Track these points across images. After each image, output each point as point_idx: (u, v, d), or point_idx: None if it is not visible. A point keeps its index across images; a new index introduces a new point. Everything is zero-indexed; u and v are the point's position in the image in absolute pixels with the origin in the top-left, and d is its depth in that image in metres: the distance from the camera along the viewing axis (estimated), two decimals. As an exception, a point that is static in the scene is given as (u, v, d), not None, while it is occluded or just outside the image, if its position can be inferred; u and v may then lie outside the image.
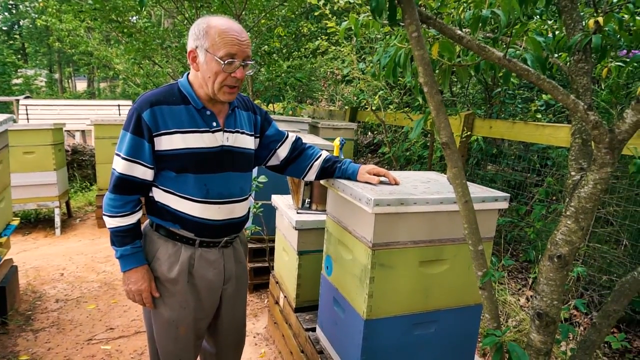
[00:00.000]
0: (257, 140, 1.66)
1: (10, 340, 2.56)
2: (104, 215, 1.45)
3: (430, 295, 1.66)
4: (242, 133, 1.54)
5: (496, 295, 3.00)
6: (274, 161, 1.73)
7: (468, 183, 1.87)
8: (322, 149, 1.80)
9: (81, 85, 24.62)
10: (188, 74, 1.49)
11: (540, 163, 3.72)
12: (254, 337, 2.70)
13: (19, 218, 3.17)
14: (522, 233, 3.55)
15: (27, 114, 8.03)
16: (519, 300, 3.06)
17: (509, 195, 1.69)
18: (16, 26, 23.78)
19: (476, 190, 1.72)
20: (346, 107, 6.43)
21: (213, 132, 1.45)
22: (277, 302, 2.57)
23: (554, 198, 3.50)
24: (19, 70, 16.40)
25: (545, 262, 1.09)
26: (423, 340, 1.69)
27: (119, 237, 1.44)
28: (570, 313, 2.84)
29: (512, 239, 3.57)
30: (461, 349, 1.79)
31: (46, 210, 4.83)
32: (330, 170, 1.74)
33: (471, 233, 1.10)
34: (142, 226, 1.56)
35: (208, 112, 1.45)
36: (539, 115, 3.34)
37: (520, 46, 1.12)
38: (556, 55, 1.57)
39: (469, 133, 3.52)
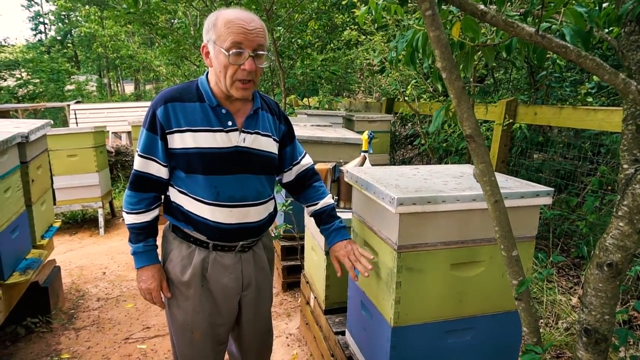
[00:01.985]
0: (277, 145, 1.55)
1: (54, 339, 2.65)
2: (123, 211, 1.46)
3: (464, 300, 1.52)
4: (264, 135, 1.45)
5: (544, 296, 2.78)
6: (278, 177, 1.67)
7: (507, 177, 1.70)
8: (326, 193, 1.66)
9: (129, 88, 25.66)
10: (208, 73, 1.43)
11: (593, 150, 3.42)
12: (287, 337, 2.65)
13: (60, 220, 3.28)
14: (573, 227, 3.28)
15: (76, 118, 8.43)
16: (570, 299, 2.82)
17: (553, 189, 1.52)
18: (68, 35, 25.10)
19: (514, 185, 1.56)
20: (383, 98, 6.25)
21: (227, 131, 1.37)
22: (308, 303, 2.50)
23: (609, 188, 3.20)
24: (72, 77, 17.26)
25: (593, 271, 0.93)
26: (458, 348, 1.56)
27: (134, 233, 1.44)
28: (630, 315, 2.58)
29: (562, 233, 3.31)
30: (502, 357, 1.64)
31: (92, 211, 5.01)
32: (317, 221, 1.65)
33: (503, 237, 0.97)
34: (163, 227, 1.53)
35: (223, 111, 1.38)
36: (590, 99, 3.06)
37: (559, 20, 0.96)
38: (606, 30, 1.38)
39: (510, 121, 3.29)
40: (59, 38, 24.99)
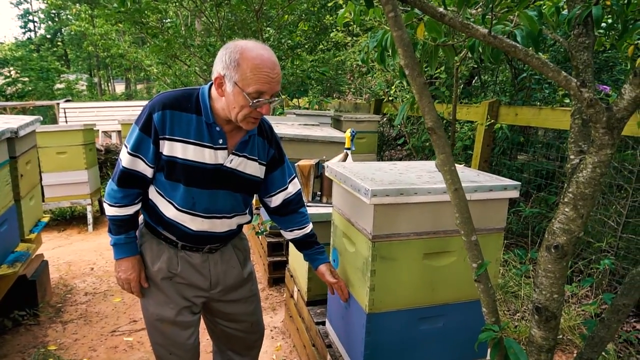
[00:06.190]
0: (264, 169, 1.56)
1: (41, 331, 2.69)
2: (104, 202, 1.47)
3: (437, 288, 1.60)
4: (250, 159, 1.48)
5: (522, 290, 2.88)
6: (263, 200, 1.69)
7: (478, 172, 1.79)
8: (309, 219, 1.72)
9: (119, 88, 25.54)
10: (211, 84, 1.40)
11: (571, 150, 3.52)
12: (271, 330, 2.71)
13: (48, 215, 3.31)
14: (551, 224, 3.38)
15: (65, 117, 8.41)
16: (547, 294, 2.92)
17: (519, 183, 1.61)
18: (58, 34, 24.95)
19: (484, 179, 1.64)
20: (372, 99, 6.34)
21: (216, 149, 1.40)
22: (292, 296, 2.57)
23: (585, 187, 3.30)
24: (61, 76, 17.17)
25: (543, 253, 1.02)
26: (431, 334, 1.64)
27: (115, 225, 1.46)
28: (602, 309, 2.68)
29: (540, 231, 3.42)
30: (473, 343, 1.71)
31: (80, 208, 5.03)
32: (302, 245, 1.72)
33: (463, 222, 1.05)
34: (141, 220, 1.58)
35: (217, 128, 1.39)
36: (567, 100, 3.17)
37: (513, 23, 1.04)
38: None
39: (492, 121, 3.39)
40: (48, 36, 24.83)
